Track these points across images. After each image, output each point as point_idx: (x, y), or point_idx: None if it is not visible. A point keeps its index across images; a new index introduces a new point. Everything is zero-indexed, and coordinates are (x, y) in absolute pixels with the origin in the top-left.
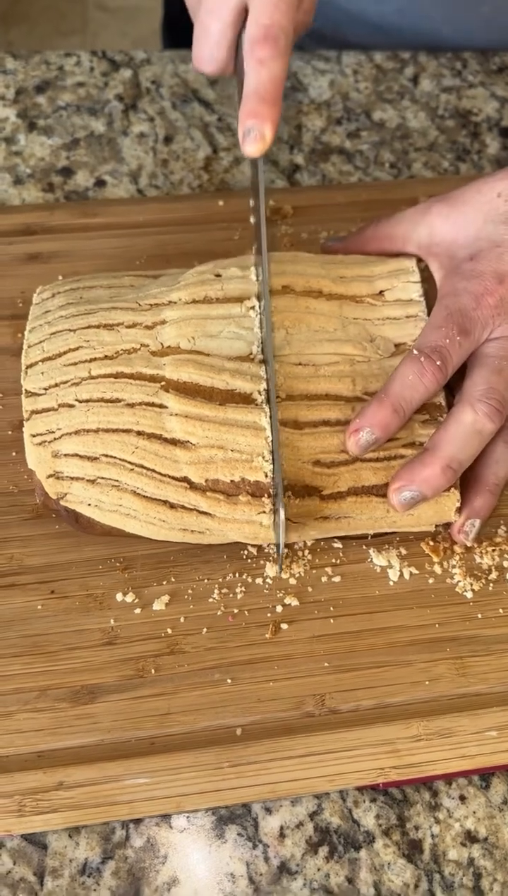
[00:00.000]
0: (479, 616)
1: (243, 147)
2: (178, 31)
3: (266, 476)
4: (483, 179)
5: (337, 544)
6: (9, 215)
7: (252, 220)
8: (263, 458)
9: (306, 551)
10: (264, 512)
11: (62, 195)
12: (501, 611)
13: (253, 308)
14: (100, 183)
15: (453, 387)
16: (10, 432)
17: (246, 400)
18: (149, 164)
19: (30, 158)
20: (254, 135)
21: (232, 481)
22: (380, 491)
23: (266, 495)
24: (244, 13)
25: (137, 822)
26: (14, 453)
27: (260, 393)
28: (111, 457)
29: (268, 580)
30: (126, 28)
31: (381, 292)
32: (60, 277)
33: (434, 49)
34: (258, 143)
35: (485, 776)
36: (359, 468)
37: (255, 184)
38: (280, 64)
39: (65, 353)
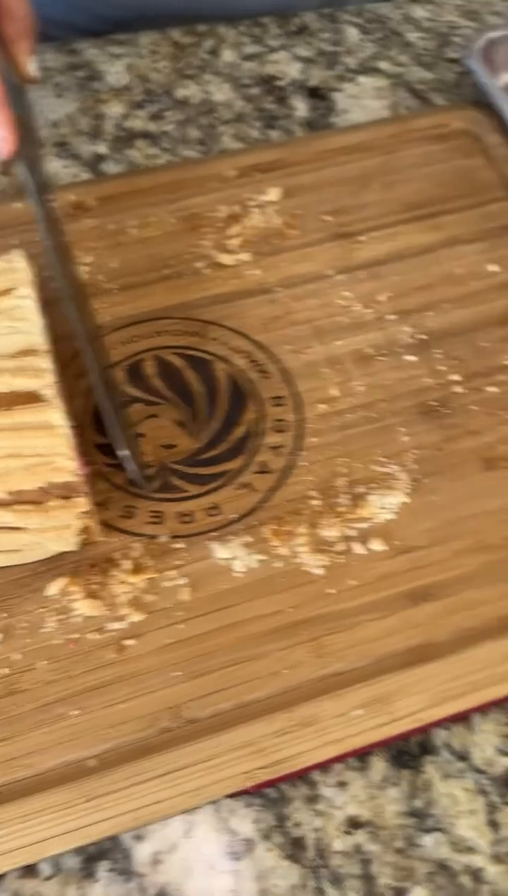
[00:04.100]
0: (332, 591)
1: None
2: None
3: (75, 475)
4: None
5: (180, 544)
6: None
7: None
8: (65, 456)
9: (146, 557)
10: (83, 512)
11: None
12: (352, 582)
13: (25, 297)
14: None
15: None
16: None
17: (32, 399)
18: None
19: None
20: None
21: (39, 488)
22: None
23: (81, 495)
24: None
25: None
26: None
27: (47, 388)
28: None
29: (107, 597)
30: None
31: None
32: None
33: (233, 18)
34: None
35: (363, 756)
36: None
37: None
38: None
39: None
